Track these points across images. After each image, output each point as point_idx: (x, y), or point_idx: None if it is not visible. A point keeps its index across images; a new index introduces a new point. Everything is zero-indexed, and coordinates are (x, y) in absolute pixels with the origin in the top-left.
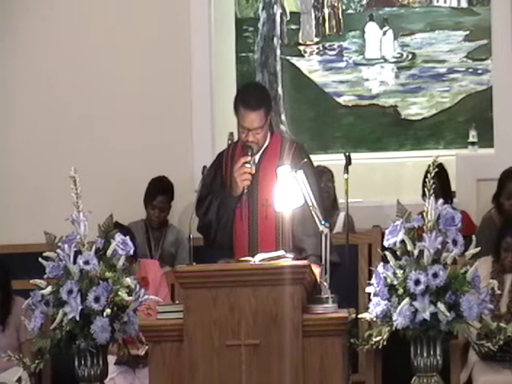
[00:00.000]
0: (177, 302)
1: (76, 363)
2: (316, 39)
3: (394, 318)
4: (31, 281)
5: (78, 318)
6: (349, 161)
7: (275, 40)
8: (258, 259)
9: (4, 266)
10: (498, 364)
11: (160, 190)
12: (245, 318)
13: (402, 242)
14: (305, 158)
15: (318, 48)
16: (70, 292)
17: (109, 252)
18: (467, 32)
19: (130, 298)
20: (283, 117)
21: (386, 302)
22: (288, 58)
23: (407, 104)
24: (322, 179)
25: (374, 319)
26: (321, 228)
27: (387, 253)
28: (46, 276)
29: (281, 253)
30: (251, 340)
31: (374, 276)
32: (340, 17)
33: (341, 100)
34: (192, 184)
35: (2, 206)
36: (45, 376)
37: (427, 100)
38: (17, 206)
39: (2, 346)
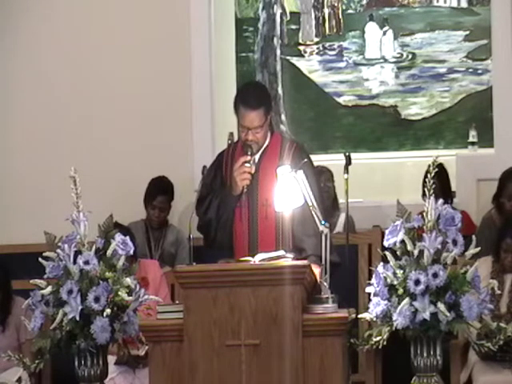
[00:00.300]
0: (177, 301)
1: (76, 363)
2: (316, 39)
3: (394, 318)
4: (31, 281)
5: (77, 318)
6: (349, 161)
7: (275, 40)
8: (257, 259)
9: (4, 266)
10: (498, 364)
11: (160, 190)
12: (245, 318)
13: (402, 241)
14: (305, 158)
15: (317, 48)
16: (69, 292)
17: (109, 252)
18: (467, 32)
19: (130, 298)
20: (283, 117)
21: (385, 301)
22: (288, 58)
23: (407, 104)
24: (320, 179)
25: (374, 319)
26: (321, 228)
27: (387, 253)
28: (46, 276)
29: (281, 253)
30: (251, 340)
31: (373, 276)
32: (340, 17)
33: (341, 100)
34: (192, 184)
35: (2, 205)
36: (45, 376)
37: (427, 100)
38: (17, 206)
39: (2, 346)
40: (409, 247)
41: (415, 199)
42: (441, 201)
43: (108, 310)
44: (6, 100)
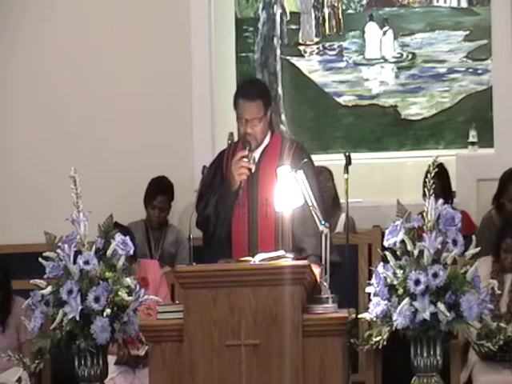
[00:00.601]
0: (177, 301)
1: (76, 363)
2: (316, 39)
3: (394, 318)
4: (31, 281)
5: (78, 318)
6: (349, 161)
7: (275, 40)
8: (258, 259)
9: (4, 265)
10: (497, 364)
11: (160, 190)
12: (245, 318)
13: (402, 241)
14: (305, 158)
15: (317, 48)
16: (69, 292)
17: (109, 252)
18: (467, 32)
19: (130, 298)
20: (283, 117)
21: (386, 301)
22: (288, 58)
23: (407, 104)
24: (319, 179)
25: (374, 319)
26: (321, 228)
27: (387, 253)
28: (46, 276)
29: (281, 253)
30: (251, 340)
31: (373, 276)
32: (340, 17)
33: (341, 100)
34: (192, 184)
35: (2, 205)
36: (45, 376)
37: (427, 100)
38: (17, 206)
39: (2, 346)
40: (409, 247)
41: (415, 199)
42: (441, 201)
43: (108, 310)
44: (6, 100)
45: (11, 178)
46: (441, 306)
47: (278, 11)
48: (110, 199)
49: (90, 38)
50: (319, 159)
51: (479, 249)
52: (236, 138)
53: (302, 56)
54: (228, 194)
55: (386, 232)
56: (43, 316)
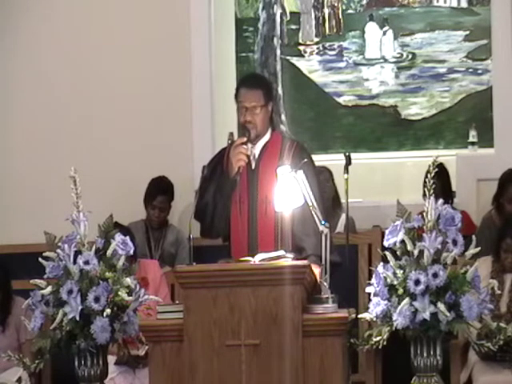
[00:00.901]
0: (177, 302)
1: (76, 363)
2: (316, 39)
3: (394, 318)
4: (31, 281)
5: (78, 318)
6: (349, 161)
7: (275, 40)
8: (257, 259)
9: (4, 265)
10: (497, 364)
11: (160, 190)
12: (245, 317)
13: (402, 241)
14: (305, 158)
15: (317, 48)
16: (69, 292)
17: (109, 252)
18: (467, 32)
19: (130, 298)
20: (283, 117)
21: (386, 301)
22: (288, 58)
23: (407, 104)
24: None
25: (374, 319)
26: (321, 228)
27: (387, 253)
28: (46, 276)
29: (281, 253)
30: (251, 340)
31: (374, 276)
32: (340, 17)
33: (341, 100)
34: (192, 184)
35: (2, 205)
36: (45, 376)
37: (427, 100)
38: (17, 206)
39: (2, 346)
40: (409, 247)
41: (415, 199)
42: (441, 201)
43: (108, 310)
44: (5, 100)
45: (11, 177)
46: (441, 305)
47: (278, 11)
48: (110, 199)
49: (90, 38)
50: (319, 159)
51: (479, 249)
52: (236, 138)
53: (302, 56)
54: (226, 181)
55: (386, 232)
56: (43, 316)
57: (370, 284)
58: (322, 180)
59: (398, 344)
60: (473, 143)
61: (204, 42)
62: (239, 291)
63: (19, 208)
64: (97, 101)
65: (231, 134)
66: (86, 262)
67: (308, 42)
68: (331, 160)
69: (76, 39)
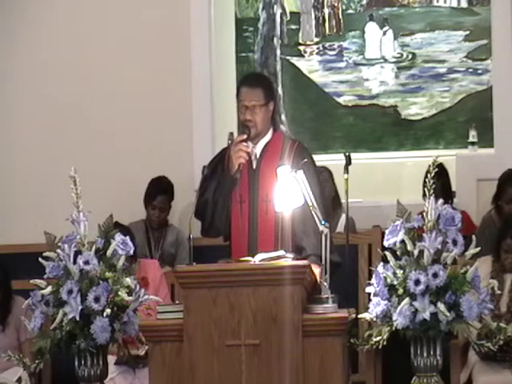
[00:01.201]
0: (177, 301)
1: (76, 363)
2: (316, 39)
3: (394, 318)
4: (31, 281)
5: (77, 318)
6: (349, 161)
7: (275, 40)
8: (258, 259)
9: (4, 266)
10: (497, 364)
11: (160, 190)
12: (245, 317)
13: (402, 241)
14: (306, 158)
15: (317, 48)
16: (69, 292)
17: (109, 252)
18: (467, 32)
19: (130, 298)
20: (283, 117)
21: (385, 301)
22: (288, 58)
23: (407, 104)
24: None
25: (374, 319)
26: (321, 228)
27: (387, 253)
28: (46, 276)
29: (281, 253)
30: (251, 340)
31: (373, 276)
32: (340, 17)
33: (341, 100)
34: (192, 184)
35: (2, 205)
36: (45, 376)
37: (427, 100)
38: (17, 206)
39: (2, 345)
40: (409, 247)
41: (415, 199)
42: (441, 201)
43: (108, 310)
44: (6, 100)
45: (11, 178)
46: (441, 305)
47: (278, 11)
48: (110, 199)
49: (89, 38)
50: (319, 159)
51: (479, 249)
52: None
53: (302, 56)
54: (226, 178)
55: (386, 232)
56: (43, 316)
57: (370, 284)
58: (322, 180)
59: (397, 344)
60: (473, 143)
61: (204, 42)
62: (239, 291)
63: (19, 208)
64: (97, 101)
65: (231, 134)
66: (86, 262)
67: (308, 42)
68: (331, 160)
69: (76, 39)
